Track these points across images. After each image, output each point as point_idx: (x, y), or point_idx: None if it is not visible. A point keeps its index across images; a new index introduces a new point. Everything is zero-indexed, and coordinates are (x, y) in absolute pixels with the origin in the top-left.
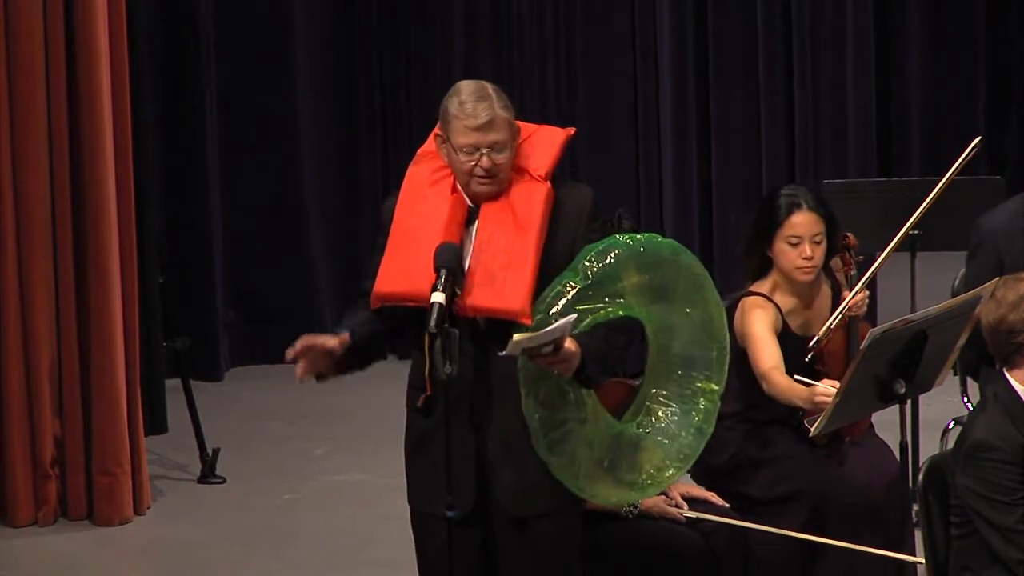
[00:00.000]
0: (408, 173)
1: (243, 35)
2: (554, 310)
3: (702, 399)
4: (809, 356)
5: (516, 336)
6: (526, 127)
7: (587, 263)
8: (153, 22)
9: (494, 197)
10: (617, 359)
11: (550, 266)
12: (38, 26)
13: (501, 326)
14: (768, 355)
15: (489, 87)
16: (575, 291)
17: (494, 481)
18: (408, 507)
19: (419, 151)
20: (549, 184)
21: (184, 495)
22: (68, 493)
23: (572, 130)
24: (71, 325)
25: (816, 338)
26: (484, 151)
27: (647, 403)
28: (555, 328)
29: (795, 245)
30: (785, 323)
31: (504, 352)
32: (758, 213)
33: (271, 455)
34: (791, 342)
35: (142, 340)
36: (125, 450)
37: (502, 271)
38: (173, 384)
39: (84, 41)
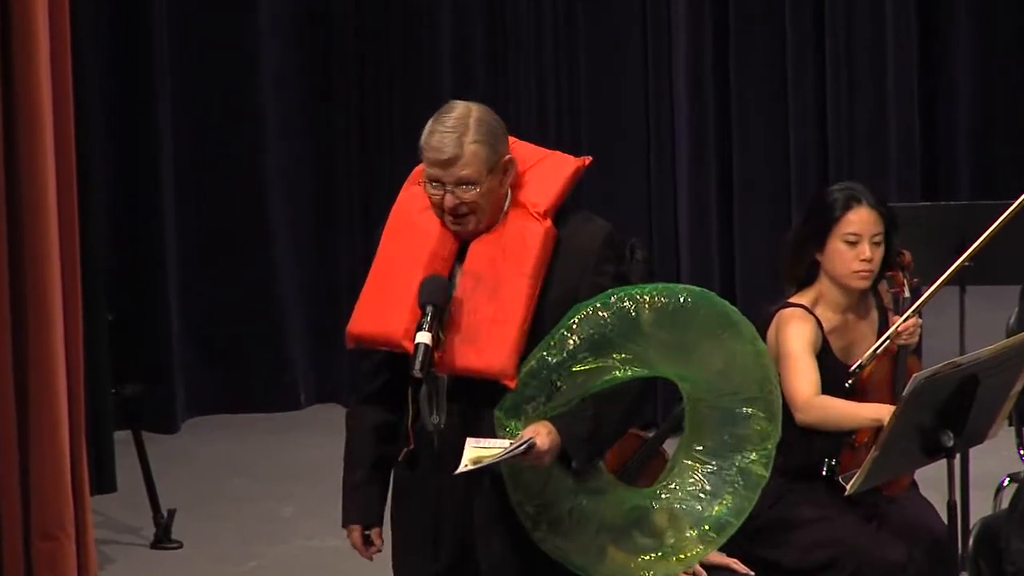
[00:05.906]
0: (400, 195)
1: (201, 34)
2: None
3: (752, 446)
4: (849, 383)
5: (466, 455)
6: (535, 153)
7: (566, 332)
8: (100, 21)
9: (483, 232)
10: (615, 432)
11: (546, 318)
12: None
13: (491, 381)
14: (806, 381)
15: (473, 116)
16: (551, 362)
17: (479, 549)
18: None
19: (416, 169)
20: (549, 222)
21: (136, 562)
22: (4, 560)
23: (587, 159)
24: (6, 368)
25: (859, 363)
26: (448, 188)
27: (683, 460)
28: (508, 452)
29: (853, 244)
30: (825, 342)
31: (456, 472)
32: (809, 210)
33: (233, 516)
34: (830, 365)
35: (88, 386)
36: (69, 511)
37: (487, 324)
38: (123, 436)
39: (22, 52)
